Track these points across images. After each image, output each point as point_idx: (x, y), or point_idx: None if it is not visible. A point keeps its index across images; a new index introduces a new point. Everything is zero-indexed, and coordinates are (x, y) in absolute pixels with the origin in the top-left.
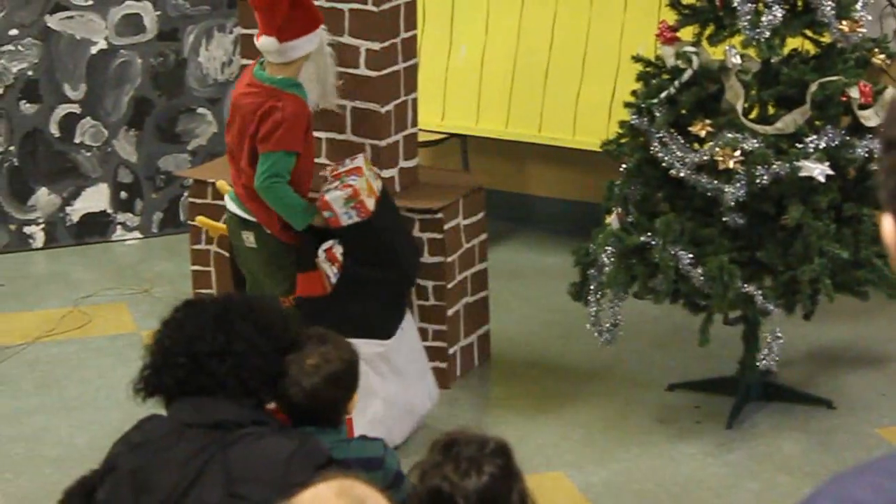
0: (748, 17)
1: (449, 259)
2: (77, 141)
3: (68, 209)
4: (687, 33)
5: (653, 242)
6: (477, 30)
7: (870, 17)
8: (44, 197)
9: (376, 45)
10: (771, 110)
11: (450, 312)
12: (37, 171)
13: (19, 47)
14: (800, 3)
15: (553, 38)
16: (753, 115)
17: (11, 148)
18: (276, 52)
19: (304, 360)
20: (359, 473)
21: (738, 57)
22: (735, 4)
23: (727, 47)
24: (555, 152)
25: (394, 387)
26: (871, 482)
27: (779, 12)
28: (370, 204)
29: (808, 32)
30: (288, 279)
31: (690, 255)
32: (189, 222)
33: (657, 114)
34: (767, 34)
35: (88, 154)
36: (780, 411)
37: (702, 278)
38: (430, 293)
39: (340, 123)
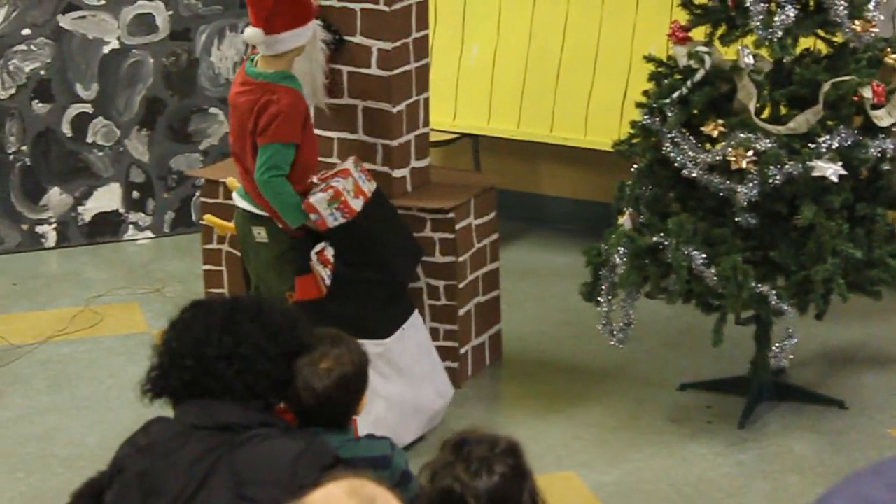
0: (760, 16)
1: (460, 259)
2: (89, 140)
3: (80, 209)
4: (699, 33)
5: (665, 243)
6: (489, 30)
7: (882, 17)
8: (56, 196)
9: (388, 45)
10: (783, 110)
11: (461, 312)
12: (49, 171)
13: (32, 47)
14: (812, 3)
15: (565, 37)
16: (766, 114)
17: (24, 147)
18: (262, 43)
19: (318, 362)
20: (367, 473)
21: (750, 57)
22: (747, 4)
23: (739, 47)
24: (566, 152)
25: (397, 387)
26: (885, 482)
27: (791, 12)
28: (355, 205)
29: (821, 32)
30: (295, 275)
31: (703, 256)
32: (200, 222)
33: (669, 114)
34: (780, 34)
35: (100, 154)
36: (791, 411)
37: (715, 278)
38: (442, 293)
39: (352, 123)
